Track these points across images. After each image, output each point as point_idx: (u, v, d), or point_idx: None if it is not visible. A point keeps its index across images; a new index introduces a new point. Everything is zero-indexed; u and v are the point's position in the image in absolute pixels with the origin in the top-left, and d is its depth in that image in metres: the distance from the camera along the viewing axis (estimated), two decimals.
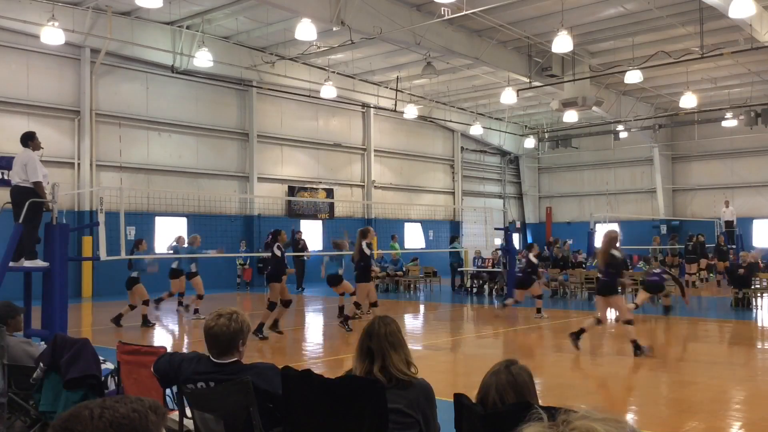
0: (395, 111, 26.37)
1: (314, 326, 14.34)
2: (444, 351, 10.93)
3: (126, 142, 21.25)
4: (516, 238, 28.24)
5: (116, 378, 5.04)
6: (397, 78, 25.48)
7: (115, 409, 1.48)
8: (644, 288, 14.34)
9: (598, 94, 24.51)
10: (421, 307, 18.57)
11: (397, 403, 3.20)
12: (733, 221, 25.24)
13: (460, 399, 3.00)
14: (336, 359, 9.88)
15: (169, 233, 21.85)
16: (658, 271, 15.07)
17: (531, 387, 2.86)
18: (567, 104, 23.64)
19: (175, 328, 14.01)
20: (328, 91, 22.84)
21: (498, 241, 27.08)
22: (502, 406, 2.77)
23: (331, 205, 26.97)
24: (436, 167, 31.95)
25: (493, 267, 20.63)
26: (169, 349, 4.31)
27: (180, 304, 15.56)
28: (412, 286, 22.27)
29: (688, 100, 23.14)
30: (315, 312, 15.98)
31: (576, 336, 9.93)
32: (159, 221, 21.32)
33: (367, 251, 12.17)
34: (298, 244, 19.83)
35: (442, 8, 17.33)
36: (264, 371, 3.61)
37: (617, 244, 10.30)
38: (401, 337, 3.43)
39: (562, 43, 17.25)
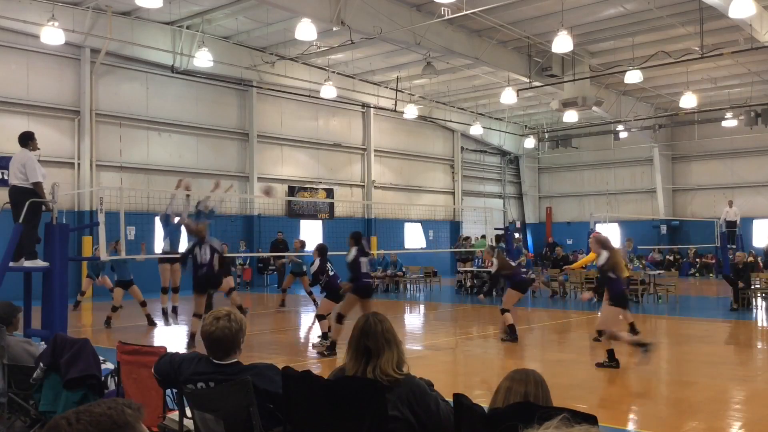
0: (395, 111, 26.37)
1: (314, 327, 14.32)
2: (444, 351, 10.92)
3: (126, 142, 21.25)
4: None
5: (116, 378, 5.04)
6: (397, 78, 25.48)
7: (90, 412, 1.54)
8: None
9: (598, 94, 24.51)
10: (421, 307, 18.57)
11: None
12: (736, 221, 25.21)
13: (460, 399, 2.99)
14: (336, 360, 9.87)
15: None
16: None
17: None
18: (567, 104, 23.64)
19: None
20: (328, 91, 22.84)
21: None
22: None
23: (331, 205, 26.98)
24: (436, 167, 31.95)
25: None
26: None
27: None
28: (402, 286, 22.35)
29: (688, 100, 23.14)
30: (313, 312, 15.96)
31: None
32: (159, 221, 21.30)
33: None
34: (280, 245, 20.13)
35: (442, 8, 17.33)
36: (264, 371, 3.61)
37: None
38: (395, 334, 3.35)
39: (562, 43, 17.24)
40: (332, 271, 10.73)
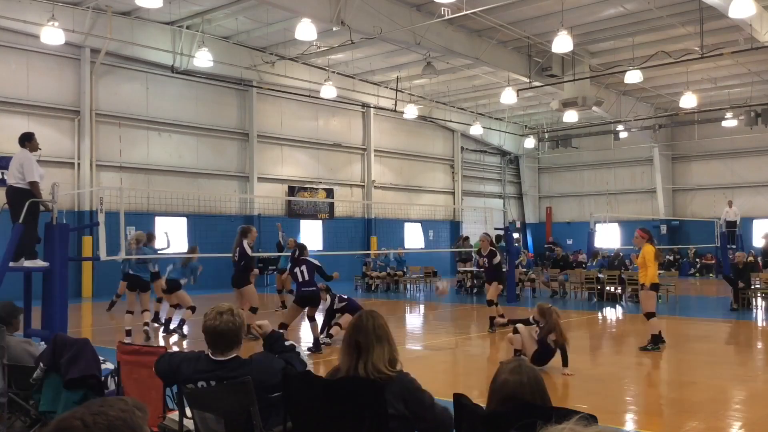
0: (395, 111, 26.37)
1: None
2: (444, 351, 10.92)
3: (126, 142, 21.25)
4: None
5: (116, 378, 5.04)
6: (397, 78, 25.48)
7: (105, 414, 1.53)
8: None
9: (598, 94, 24.51)
10: (421, 307, 18.57)
11: None
12: (736, 221, 25.22)
13: (460, 399, 2.99)
14: (336, 359, 9.86)
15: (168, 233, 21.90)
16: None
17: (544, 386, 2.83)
18: (567, 104, 23.64)
19: None
20: (328, 91, 22.84)
21: None
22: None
23: (331, 205, 26.98)
24: (436, 167, 31.95)
25: None
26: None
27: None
28: (402, 286, 22.40)
29: (688, 100, 23.14)
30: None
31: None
32: (159, 221, 21.31)
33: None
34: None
35: (442, 8, 17.33)
36: (262, 362, 3.64)
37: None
38: (388, 331, 3.34)
39: (562, 43, 17.24)
40: (306, 276, 10.42)
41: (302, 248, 10.86)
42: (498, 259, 12.77)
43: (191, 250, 13.09)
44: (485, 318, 12.87)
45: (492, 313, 12.39)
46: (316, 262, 10.67)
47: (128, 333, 11.34)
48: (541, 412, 2.50)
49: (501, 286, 13.09)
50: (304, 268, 10.38)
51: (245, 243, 11.13)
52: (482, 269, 13.16)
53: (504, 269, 17.85)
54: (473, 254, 13.70)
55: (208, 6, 19.56)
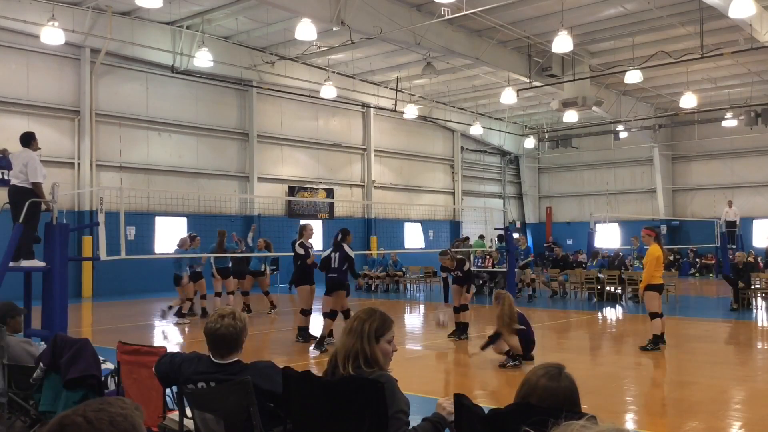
0: (395, 111, 26.38)
1: (313, 326, 14.31)
2: (444, 351, 10.92)
3: (126, 142, 21.25)
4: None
5: (116, 378, 5.04)
6: (397, 78, 25.49)
7: (106, 410, 1.55)
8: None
9: (598, 94, 24.51)
10: (421, 307, 18.57)
11: None
12: (736, 221, 25.20)
13: (460, 399, 2.98)
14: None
15: (168, 233, 21.91)
16: None
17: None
18: (567, 104, 23.64)
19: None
20: (328, 91, 22.85)
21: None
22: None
23: (331, 205, 26.98)
24: (436, 167, 31.96)
25: (493, 267, 20.59)
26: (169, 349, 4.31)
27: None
28: (402, 286, 22.42)
29: (688, 100, 23.15)
30: (314, 312, 15.92)
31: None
32: (159, 221, 21.33)
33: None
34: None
35: (442, 8, 17.33)
36: (263, 370, 3.62)
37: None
38: (361, 327, 3.24)
39: (562, 43, 17.25)
40: (336, 263, 10.75)
41: (345, 234, 10.86)
42: (468, 265, 12.37)
43: (220, 233, 15.34)
44: (484, 317, 12.86)
45: (467, 318, 11.90)
46: (350, 253, 10.68)
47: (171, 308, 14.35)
48: (541, 411, 2.50)
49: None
50: (337, 255, 10.51)
51: (298, 243, 11.22)
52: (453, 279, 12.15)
53: (504, 269, 17.82)
54: (441, 272, 12.67)
55: (208, 6, 19.56)
